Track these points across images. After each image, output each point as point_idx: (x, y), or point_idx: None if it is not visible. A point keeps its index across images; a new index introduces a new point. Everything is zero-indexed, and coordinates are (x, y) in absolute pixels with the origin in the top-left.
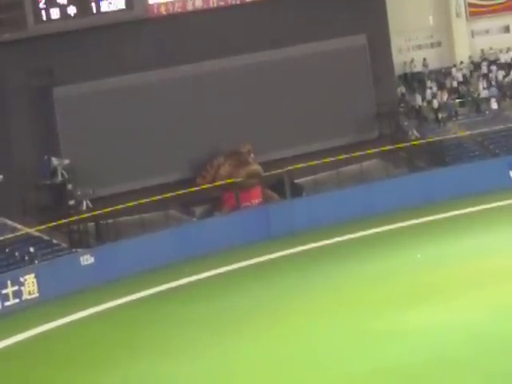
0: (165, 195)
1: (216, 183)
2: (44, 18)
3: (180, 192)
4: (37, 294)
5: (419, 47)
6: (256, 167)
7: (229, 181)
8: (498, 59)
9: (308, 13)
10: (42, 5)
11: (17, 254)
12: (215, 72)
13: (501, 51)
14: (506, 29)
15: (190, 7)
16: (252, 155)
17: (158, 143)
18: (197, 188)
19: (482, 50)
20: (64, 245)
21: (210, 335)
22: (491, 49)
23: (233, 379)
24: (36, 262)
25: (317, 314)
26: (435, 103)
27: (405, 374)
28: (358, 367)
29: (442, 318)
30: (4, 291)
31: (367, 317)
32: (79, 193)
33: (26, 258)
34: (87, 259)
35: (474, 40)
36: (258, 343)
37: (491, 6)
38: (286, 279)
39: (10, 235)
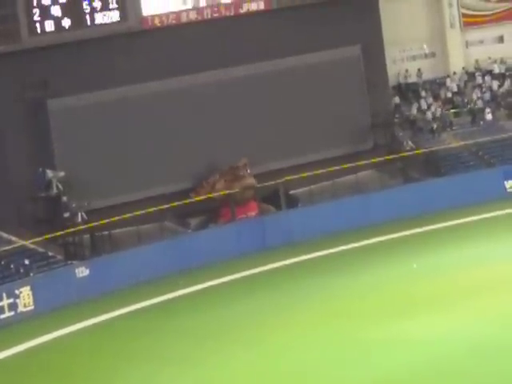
0: (160, 207)
1: (211, 195)
2: (38, 30)
3: (175, 204)
4: (32, 307)
5: (413, 58)
6: (251, 181)
7: (223, 192)
8: (493, 69)
9: (302, 24)
10: (36, 17)
11: (12, 266)
12: (210, 84)
13: (495, 61)
14: (500, 39)
15: (184, 19)
16: (248, 170)
17: (153, 155)
18: (192, 200)
19: (477, 60)
20: (59, 257)
21: (208, 344)
22: (489, 58)
23: None
24: (31, 274)
25: (312, 324)
26: (430, 114)
27: None
28: (355, 377)
29: (439, 328)
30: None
31: (363, 327)
32: (74, 205)
33: (22, 270)
34: (82, 271)
35: (468, 50)
36: (255, 353)
37: (485, 16)
38: (282, 290)
39: (6, 247)
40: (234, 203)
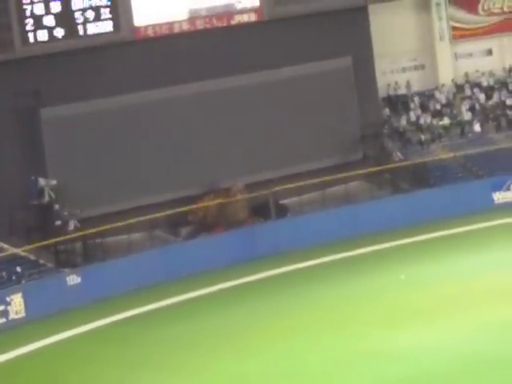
0: (151, 216)
1: (206, 216)
2: (31, 39)
3: (167, 213)
4: (24, 314)
5: (403, 70)
6: (239, 206)
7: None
8: (481, 82)
9: (293, 35)
10: (29, 27)
11: (4, 273)
12: (201, 94)
13: (483, 74)
14: (489, 52)
15: (176, 29)
16: (241, 194)
17: (145, 164)
18: (183, 209)
19: (466, 73)
20: (50, 265)
21: (198, 351)
22: (478, 71)
23: None
24: (23, 281)
25: (300, 333)
26: (419, 125)
27: None
28: None
29: (426, 340)
30: None
31: (351, 337)
32: (66, 213)
33: (13, 277)
34: (74, 279)
35: (457, 63)
36: (243, 360)
37: (474, 29)
38: (271, 299)
39: None
40: (227, 223)
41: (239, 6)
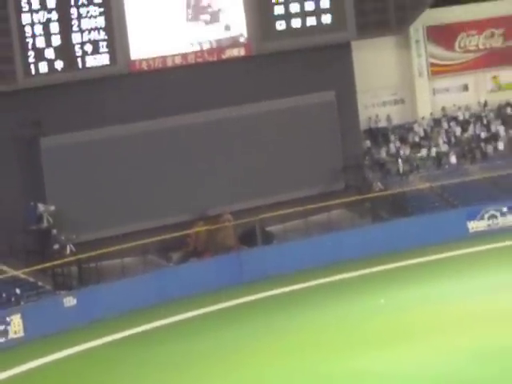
0: (144, 241)
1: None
2: (33, 71)
3: (158, 238)
4: (22, 334)
5: (384, 104)
6: (227, 234)
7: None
8: (457, 116)
9: (281, 70)
10: (31, 59)
11: (4, 295)
12: (192, 125)
13: (459, 108)
14: (465, 87)
15: (169, 63)
16: (229, 223)
17: (138, 191)
18: (174, 234)
19: (443, 107)
20: (48, 287)
21: (189, 372)
22: (454, 105)
23: None
24: (22, 303)
25: (289, 355)
26: (398, 156)
27: None
28: None
29: (403, 363)
30: None
31: (329, 359)
32: (63, 237)
33: (13, 299)
34: (70, 301)
35: (435, 97)
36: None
37: (451, 65)
38: (259, 322)
39: None
40: (216, 249)
41: (229, 42)
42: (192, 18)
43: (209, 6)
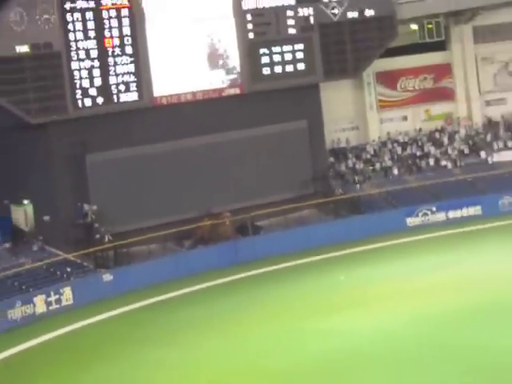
0: (164, 232)
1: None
2: (80, 105)
3: (174, 230)
4: (72, 302)
5: (343, 130)
6: (226, 228)
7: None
8: (399, 139)
9: (266, 104)
10: (78, 96)
11: (58, 272)
12: (201, 145)
13: (400, 133)
14: (405, 118)
15: (183, 99)
16: (228, 218)
17: (160, 195)
18: (187, 227)
19: (388, 133)
20: (91, 266)
21: (199, 333)
22: (396, 131)
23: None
24: (71, 278)
25: (272, 320)
26: (354, 169)
27: (324, 366)
28: (284, 362)
29: (359, 322)
30: (49, 299)
31: (300, 322)
32: (103, 229)
33: (65, 275)
34: (107, 277)
35: (382, 125)
36: (231, 343)
37: (394, 101)
38: (250, 294)
39: (54, 259)
40: (217, 238)
41: (228, 83)
42: (206, 66)
43: (216, 56)
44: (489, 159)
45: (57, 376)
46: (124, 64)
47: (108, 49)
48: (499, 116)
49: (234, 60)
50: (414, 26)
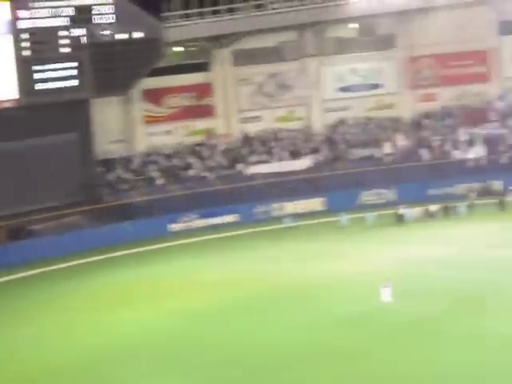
0: None
1: None
2: None
3: None
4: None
5: (113, 142)
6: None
7: None
8: (163, 151)
9: (42, 117)
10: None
11: None
12: None
13: (165, 146)
14: (169, 132)
15: None
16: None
17: None
18: None
19: (154, 145)
20: None
21: None
22: (162, 143)
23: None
24: None
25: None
26: (123, 178)
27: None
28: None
29: (123, 319)
30: None
31: (78, 318)
32: None
33: None
34: None
35: (148, 138)
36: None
37: (160, 117)
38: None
39: None
40: None
41: (4, 96)
42: None
43: None
44: (245, 171)
45: None
46: None
47: None
48: (254, 132)
49: (11, 75)
50: (180, 48)
